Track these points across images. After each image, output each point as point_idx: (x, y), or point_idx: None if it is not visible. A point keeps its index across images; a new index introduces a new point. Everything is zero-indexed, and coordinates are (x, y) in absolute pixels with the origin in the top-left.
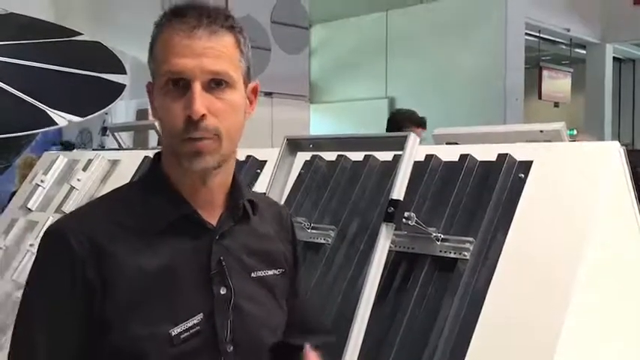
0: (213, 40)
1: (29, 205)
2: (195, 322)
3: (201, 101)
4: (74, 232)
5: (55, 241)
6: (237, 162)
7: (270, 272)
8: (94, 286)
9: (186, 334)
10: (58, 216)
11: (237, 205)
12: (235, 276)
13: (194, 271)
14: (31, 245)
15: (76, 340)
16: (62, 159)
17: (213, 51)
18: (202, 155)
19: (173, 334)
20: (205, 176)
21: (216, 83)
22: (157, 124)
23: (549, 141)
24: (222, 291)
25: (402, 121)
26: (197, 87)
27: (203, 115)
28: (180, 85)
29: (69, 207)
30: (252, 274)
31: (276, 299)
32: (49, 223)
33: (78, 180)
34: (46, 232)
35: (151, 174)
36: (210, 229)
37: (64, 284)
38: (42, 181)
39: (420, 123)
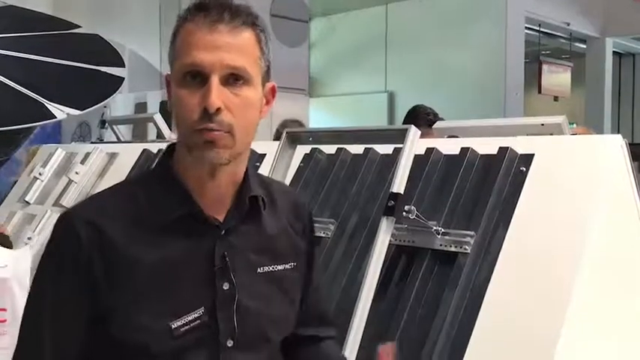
0: (235, 36)
1: (27, 198)
2: (196, 315)
3: (218, 95)
4: (83, 221)
5: (64, 227)
6: None
7: (280, 267)
8: (99, 276)
9: (186, 327)
10: (56, 209)
11: (244, 201)
12: (240, 272)
13: (198, 265)
14: (29, 238)
15: (82, 327)
16: (60, 152)
17: (234, 46)
18: (215, 146)
19: (173, 326)
20: (215, 170)
21: (235, 79)
22: (156, 117)
23: (551, 134)
24: (225, 286)
25: (417, 119)
26: (215, 80)
27: (218, 109)
28: (198, 78)
29: (67, 200)
30: (259, 270)
31: (286, 294)
32: (47, 216)
33: (76, 173)
34: (58, 219)
35: (160, 167)
36: (217, 226)
37: (72, 271)
38: (40, 174)
39: (432, 125)
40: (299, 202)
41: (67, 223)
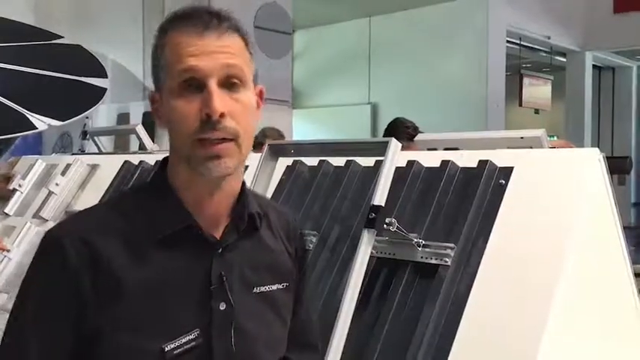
0: (225, 40)
1: (7, 210)
2: (190, 337)
3: (220, 99)
4: (72, 239)
5: (52, 246)
6: None
7: (274, 287)
8: (88, 296)
9: (180, 349)
10: (36, 221)
11: (242, 217)
12: (236, 291)
13: (193, 285)
14: (7, 251)
15: (68, 348)
16: (40, 163)
17: (226, 48)
18: (221, 159)
19: (166, 349)
20: (214, 188)
21: (232, 83)
22: (138, 128)
23: (530, 147)
24: (222, 307)
25: (396, 132)
26: (214, 84)
27: (222, 114)
28: (195, 85)
29: (47, 212)
30: (255, 290)
31: (279, 314)
32: (27, 227)
33: (56, 184)
34: (44, 236)
35: (155, 181)
36: (213, 243)
37: (58, 291)
38: (20, 186)
39: (412, 138)
40: (292, 222)
41: (54, 238)
